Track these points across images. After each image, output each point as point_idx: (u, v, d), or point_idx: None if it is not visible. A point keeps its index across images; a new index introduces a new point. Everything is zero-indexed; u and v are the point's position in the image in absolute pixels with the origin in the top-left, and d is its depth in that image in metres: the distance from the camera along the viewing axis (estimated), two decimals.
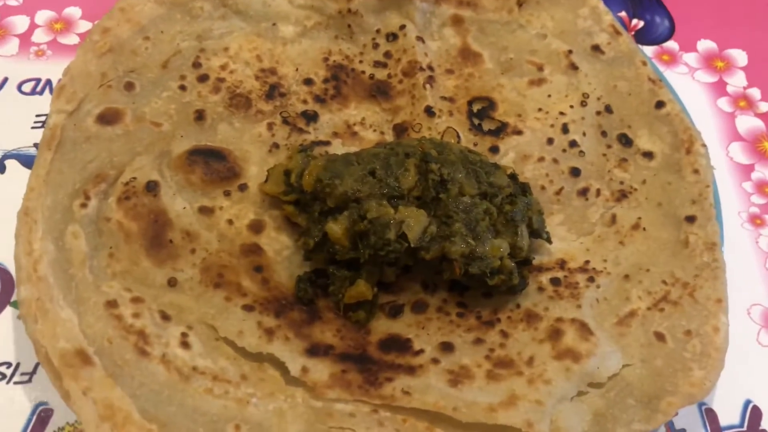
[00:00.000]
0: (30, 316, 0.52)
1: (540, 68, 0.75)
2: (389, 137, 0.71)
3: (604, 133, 0.71)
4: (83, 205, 0.60)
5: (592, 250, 0.65)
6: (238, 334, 0.56)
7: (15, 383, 0.60)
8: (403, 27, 0.77)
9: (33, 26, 0.83)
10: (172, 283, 0.59)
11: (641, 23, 0.90)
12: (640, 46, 0.76)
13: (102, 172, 0.62)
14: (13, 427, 0.58)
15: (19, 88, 0.78)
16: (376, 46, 0.77)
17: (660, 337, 0.58)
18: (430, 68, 0.75)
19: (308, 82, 0.73)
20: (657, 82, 0.73)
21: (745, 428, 0.62)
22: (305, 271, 0.61)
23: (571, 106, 0.73)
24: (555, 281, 0.62)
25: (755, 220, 0.75)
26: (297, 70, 0.74)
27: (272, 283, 0.61)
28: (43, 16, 0.84)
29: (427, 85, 0.73)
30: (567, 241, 0.66)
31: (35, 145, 0.73)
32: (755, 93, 0.85)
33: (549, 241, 0.64)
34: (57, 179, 0.61)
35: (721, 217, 0.65)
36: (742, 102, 0.84)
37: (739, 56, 0.88)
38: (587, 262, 0.63)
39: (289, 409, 0.53)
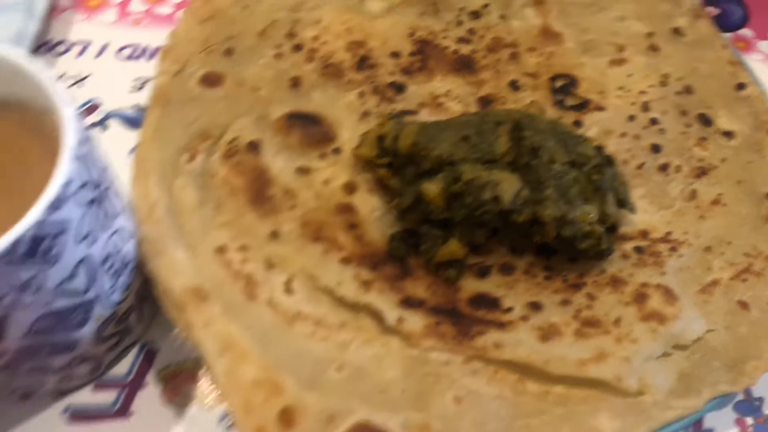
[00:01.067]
0: (150, 253, 0.56)
1: (621, 49, 0.77)
2: (474, 109, 0.73)
3: (683, 113, 0.73)
4: (190, 160, 0.64)
5: (673, 222, 0.66)
6: (338, 284, 0.59)
7: None
8: (486, 6, 0.79)
9: None
10: (274, 235, 0.62)
11: (716, 11, 0.92)
12: None
13: (206, 130, 0.66)
14: (122, 364, 0.61)
15: (118, 53, 0.81)
16: (459, 23, 0.79)
17: (744, 305, 0.60)
18: (514, 45, 0.77)
19: (395, 55, 0.76)
20: (737, 65, 0.74)
21: None
22: (397, 230, 0.64)
23: (652, 86, 0.74)
24: (638, 249, 0.64)
25: None
26: (385, 43, 0.77)
27: (365, 240, 0.64)
28: None
29: (512, 61, 0.75)
30: (648, 214, 0.67)
31: (134, 106, 0.77)
32: None
33: (633, 211, 0.66)
34: (165, 135, 0.65)
35: None
36: None
37: None
38: (669, 233, 0.65)
39: (386, 355, 0.56)
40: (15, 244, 0.40)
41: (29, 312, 0.45)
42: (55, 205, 0.42)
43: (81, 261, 0.47)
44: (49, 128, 0.47)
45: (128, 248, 0.54)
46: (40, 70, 0.46)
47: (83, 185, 0.44)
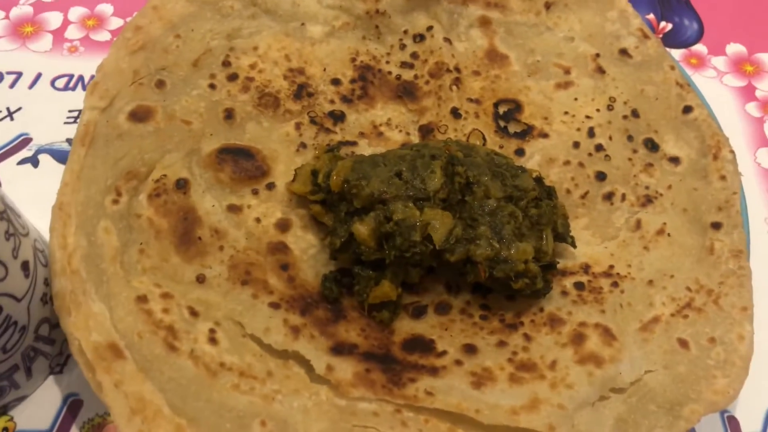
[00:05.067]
0: (64, 308, 0.54)
1: (567, 71, 0.75)
2: (415, 138, 0.72)
3: (630, 138, 0.71)
4: (115, 201, 0.61)
5: (617, 254, 0.65)
6: (265, 331, 0.57)
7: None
8: (430, 28, 0.77)
9: (66, 23, 0.84)
10: (200, 279, 0.60)
11: (669, 26, 0.90)
12: (668, 49, 0.76)
13: (133, 168, 0.64)
14: (45, 417, 0.59)
15: (52, 83, 0.79)
16: (403, 46, 0.77)
17: (683, 343, 0.58)
18: (457, 69, 0.75)
19: (336, 82, 0.74)
20: (685, 87, 0.72)
21: None
22: (331, 270, 0.62)
23: (598, 110, 0.73)
24: (579, 285, 0.62)
25: None
26: (325, 70, 0.75)
27: (298, 281, 0.62)
28: (75, 12, 0.85)
29: (454, 87, 0.73)
30: (591, 246, 0.66)
31: (68, 140, 0.75)
32: None
33: (573, 245, 0.64)
34: (90, 175, 0.62)
35: (748, 225, 0.65)
36: None
37: None
38: (611, 266, 0.64)
39: (314, 406, 0.54)
40: None
41: None
42: None
43: None
44: None
45: (16, 310, 0.52)
46: None
47: None
